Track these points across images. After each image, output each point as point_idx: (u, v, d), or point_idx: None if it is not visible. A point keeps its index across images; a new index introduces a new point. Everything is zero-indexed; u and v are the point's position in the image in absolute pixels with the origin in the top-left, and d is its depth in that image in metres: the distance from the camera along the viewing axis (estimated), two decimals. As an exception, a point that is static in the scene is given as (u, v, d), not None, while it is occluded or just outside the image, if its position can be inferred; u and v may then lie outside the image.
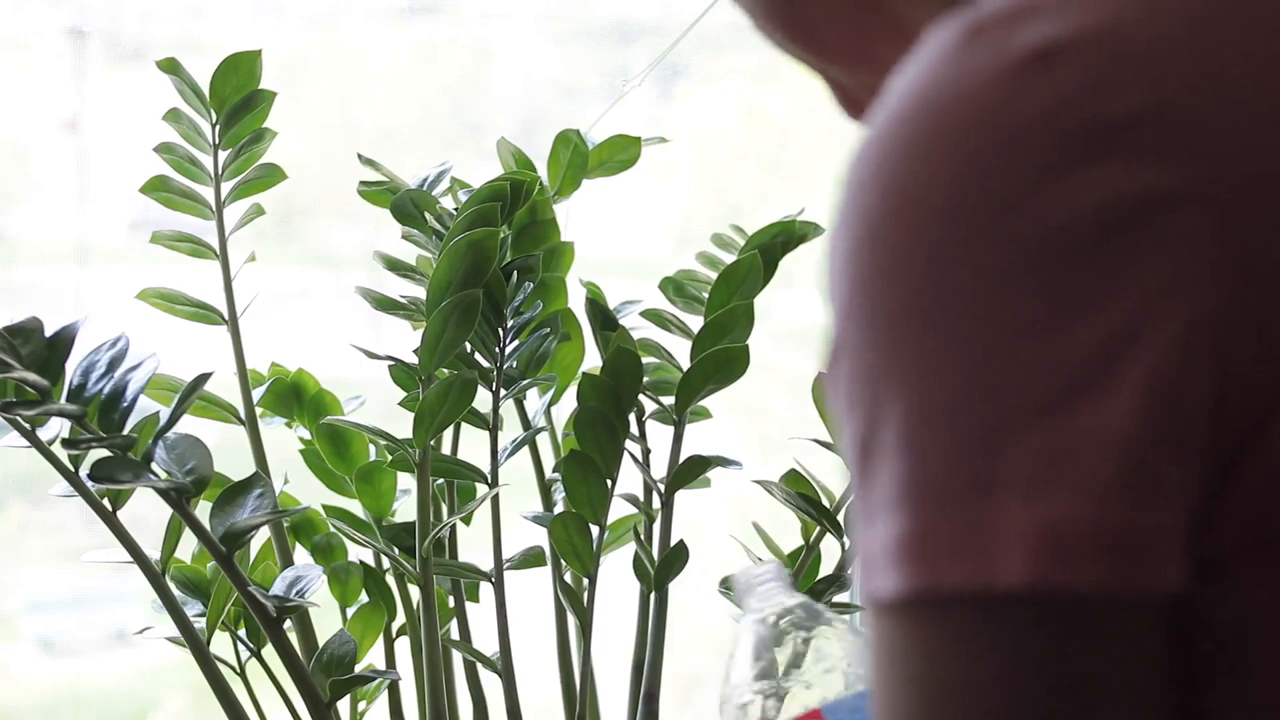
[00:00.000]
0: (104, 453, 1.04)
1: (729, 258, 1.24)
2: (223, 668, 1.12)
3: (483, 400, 1.17)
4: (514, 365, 1.19)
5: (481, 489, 1.19)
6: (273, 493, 1.10)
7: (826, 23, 0.65)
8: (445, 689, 1.18)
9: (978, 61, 0.48)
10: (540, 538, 1.22)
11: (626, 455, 1.17)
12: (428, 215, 1.18)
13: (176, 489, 1.04)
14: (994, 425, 0.47)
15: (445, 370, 1.14)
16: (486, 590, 1.22)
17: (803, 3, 0.64)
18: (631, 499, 1.21)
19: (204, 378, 1.08)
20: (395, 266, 1.21)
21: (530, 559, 1.23)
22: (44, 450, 1.05)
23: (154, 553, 1.10)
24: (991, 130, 0.48)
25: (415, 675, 1.19)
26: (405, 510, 1.22)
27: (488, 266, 1.11)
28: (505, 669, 1.19)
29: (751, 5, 0.66)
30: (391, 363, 1.17)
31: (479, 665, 1.20)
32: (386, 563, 1.21)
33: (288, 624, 1.12)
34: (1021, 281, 0.47)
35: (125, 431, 1.04)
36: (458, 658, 1.21)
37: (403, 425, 1.15)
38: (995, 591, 0.46)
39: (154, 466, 1.05)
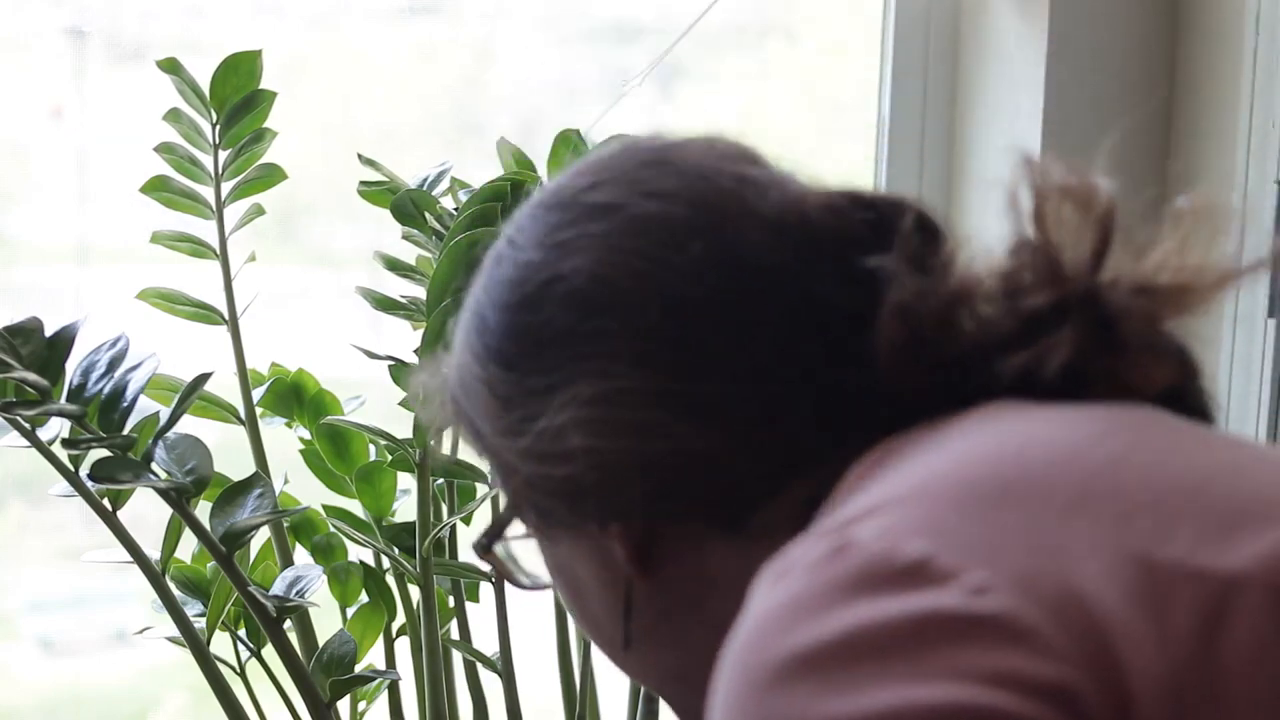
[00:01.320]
0: (104, 453, 1.04)
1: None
2: (223, 668, 1.12)
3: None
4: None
5: (481, 489, 1.19)
6: (273, 493, 1.10)
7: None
8: (445, 689, 1.18)
9: (787, 583, 0.57)
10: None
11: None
12: (428, 215, 1.18)
13: (176, 489, 1.04)
14: None
15: (445, 370, 1.14)
16: (486, 590, 1.22)
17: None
18: (631, 499, 1.20)
19: (204, 378, 1.08)
20: (395, 266, 1.21)
21: None
22: (44, 450, 1.05)
23: (154, 553, 1.10)
24: (800, 600, 0.56)
25: (415, 675, 1.19)
26: (405, 510, 1.22)
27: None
28: (505, 669, 1.19)
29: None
30: (391, 363, 1.17)
31: (479, 665, 1.20)
32: (386, 563, 1.21)
33: (288, 624, 1.12)
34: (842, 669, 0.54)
35: (125, 431, 1.04)
36: (458, 658, 1.21)
37: (403, 425, 1.15)
38: None
39: (154, 466, 1.05)
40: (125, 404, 1.05)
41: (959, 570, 0.55)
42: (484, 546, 0.78)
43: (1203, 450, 0.63)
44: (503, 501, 0.77)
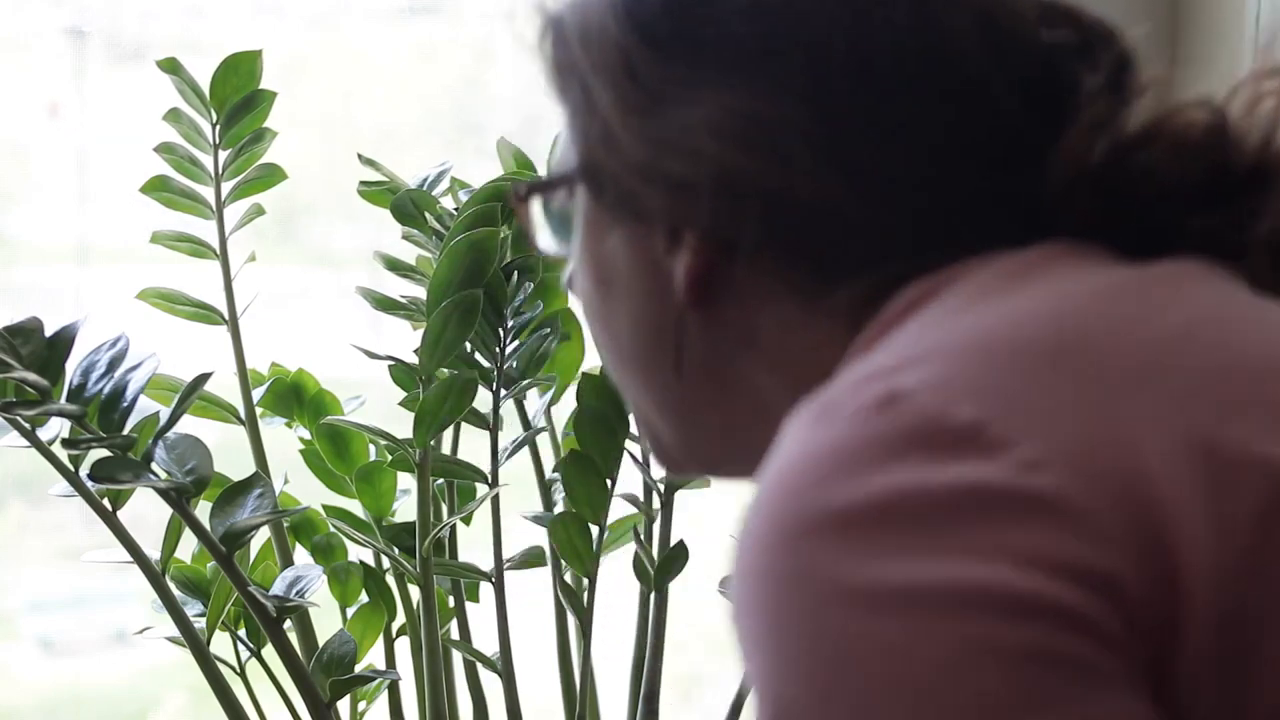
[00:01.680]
0: (104, 453, 1.03)
1: (729, 258, 1.24)
2: (223, 668, 1.12)
3: (483, 400, 1.17)
4: (514, 365, 1.19)
5: (481, 489, 1.19)
6: (273, 493, 1.10)
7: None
8: (445, 689, 1.18)
9: (829, 426, 0.56)
10: (540, 538, 1.22)
11: (626, 455, 1.17)
12: (428, 215, 1.18)
13: (176, 489, 1.04)
14: None
15: (445, 370, 1.14)
16: (486, 590, 1.22)
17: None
18: (631, 499, 1.20)
19: (204, 378, 1.08)
20: (395, 266, 1.21)
21: (530, 559, 1.23)
22: (44, 450, 1.05)
23: (154, 553, 1.10)
24: (842, 452, 0.55)
25: (415, 675, 1.19)
26: (405, 510, 1.22)
27: (488, 267, 1.11)
28: (505, 669, 1.19)
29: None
30: (391, 363, 1.17)
31: (479, 665, 1.20)
32: (386, 563, 1.21)
33: (288, 624, 1.12)
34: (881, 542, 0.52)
35: (125, 431, 1.04)
36: (458, 658, 1.21)
37: (403, 425, 1.15)
38: None
39: (154, 466, 1.05)
40: (125, 404, 1.05)
41: (1011, 441, 0.53)
42: (523, 194, 0.75)
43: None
44: (566, 161, 0.73)
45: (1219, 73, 1.38)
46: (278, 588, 1.11)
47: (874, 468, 0.53)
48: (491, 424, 1.19)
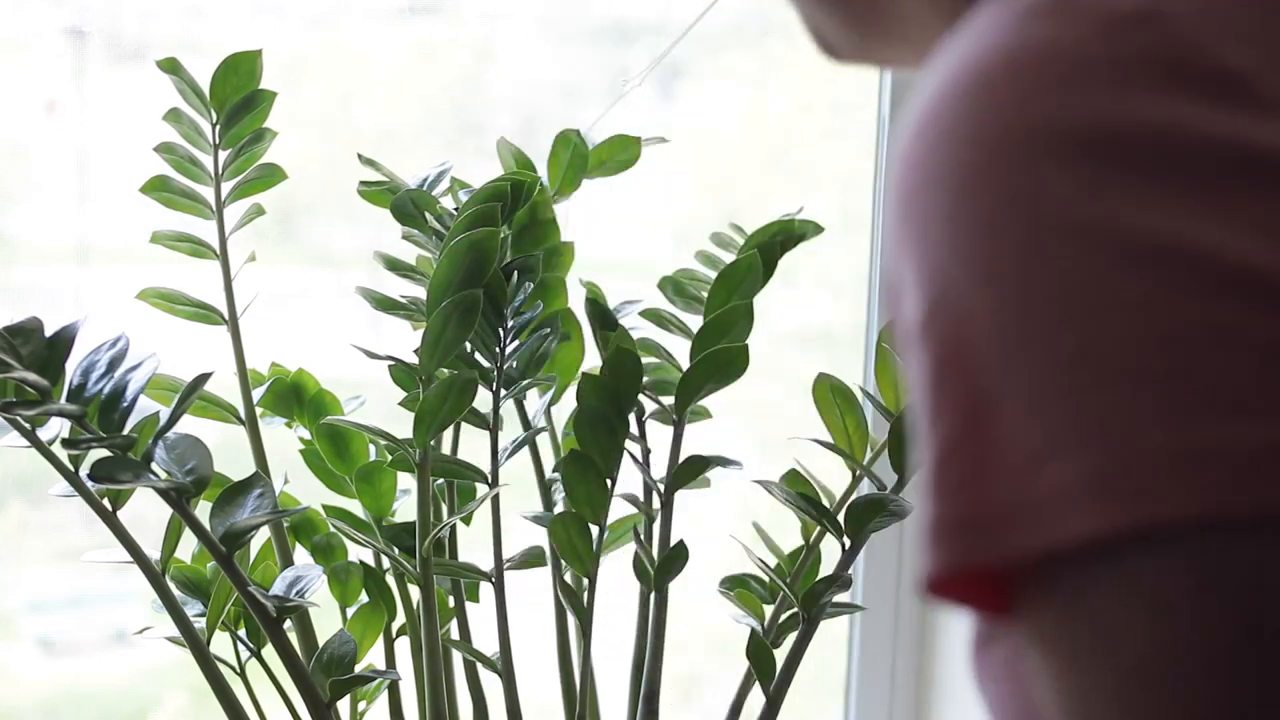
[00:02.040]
0: (104, 453, 1.03)
1: (728, 257, 1.24)
2: (223, 668, 1.12)
3: (483, 400, 1.17)
4: (514, 365, 1.19)
5: (481, 489, 1.19)
6: (273, 493, 1.10)
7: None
8: (445, 689, 1.18)
9: (1061, 26, 0.47)
10: (540, 538, 1.22)
11: (626, 455, 1.17)
12: (428, 215, 1.18)
13: (176, 489, 1.04)
14: (1183, 345, 0.44)
15: (445, 370, 1.14)
16: (486, 590, 1.22)
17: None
18: (631, 499, 1.20)
19: (204, 378, 1.08)
20: (395, 267, 1.21)
21: (530, 559, 1.23)
22: (44, 450, 1.05)
23: (154, 553, 1.10)
24: (1084, 61, 0.46)
25: (415, 675, 1.19)
26: (405, 510, 1.22)
27: (488, 266, 1.11)
28: (505, 669, 1.19)
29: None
30: (391, 363, 1.17)
31: (479, 665, 1.20)
32: (386, 563, 1.21)
33: (287, 624, 1.12)
34: (1132, 188, 0.45)
35: (125, 431, 1.04)
36: (458, 658, 1.21)
37: (403, 425, 1.15)
38: (1220, 520, 0.43)
39: (154, 466, 1.05)
40: (125, 404, 1.05)
41: None
42: None
43: None
44: None
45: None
46: (278, 588, 1.11)
47: (1123, 91, 0.45)
48: (491, 424, 1.19)
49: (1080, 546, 0.44)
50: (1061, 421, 0.44)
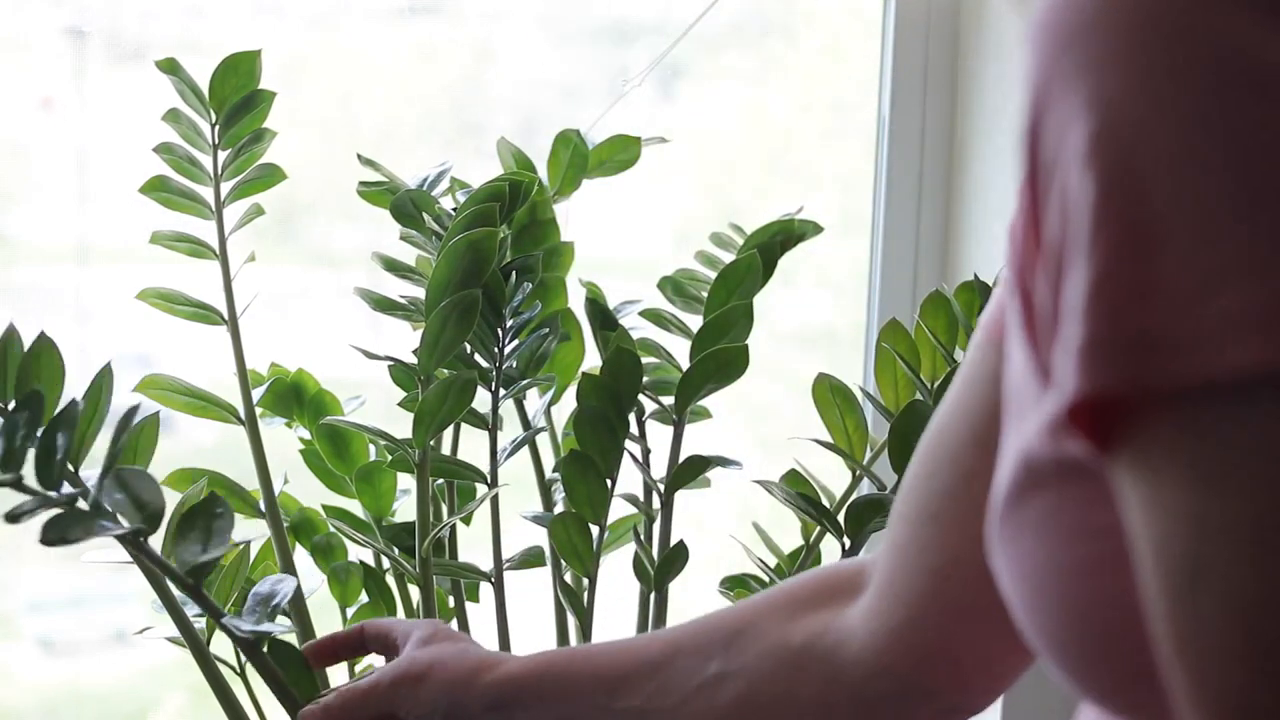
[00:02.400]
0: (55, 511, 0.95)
1: (728, 257, 1.24)
2: (223, 668, 1.12)
3: (482, 400, 1.17)
4: (514, 365, 1.19)
5: (481, 489, 1.19)
6: (230, 514, 1.02)
7: None
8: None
9: None
10: (540, 538, 1.22)
11: (626, 455, 1.17)
12: (426, 215, 1.18)
13: (134, 533, 0.98)
14: None
15: (445, 370, 1.14)
16: (486, 590, 1.22)
17: None
18: (631, 499, 1.20)
19: (135, 410, 0.97)
20: (394, 268, 1.21)
21: (530, 559, 1.23)
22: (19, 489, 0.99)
23: (153, 553, 1.10)
24: None
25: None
26: (405, 510, 1.22)
27: (486, 266, 1.10)
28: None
29: None
30: (391, 363, 1.17)
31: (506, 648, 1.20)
32: (386, 563, 1.21)
33: (287, 624, 1.12)
34: None
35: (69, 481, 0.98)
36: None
37: (403, 425, 1.15)
38: None
39: (107, 509, 0.97)
40: (59, 455, 0.96)
41: None
42: None
43: None
44: None
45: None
46: (250, 606, 1.06)
47: None
48: (491, 424, 1.19)
49: (1241, 376, 0.45)
50: (1233, 253, 0.45)
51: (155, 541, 1.00)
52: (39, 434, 0.96)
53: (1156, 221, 0.46)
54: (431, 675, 0.93)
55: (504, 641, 1.19)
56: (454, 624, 1.21)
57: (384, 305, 1.19)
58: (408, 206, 1.18)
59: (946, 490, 0.79)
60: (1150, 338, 0.46)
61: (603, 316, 1.21)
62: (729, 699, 0.87)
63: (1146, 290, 0.46)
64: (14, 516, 0.92)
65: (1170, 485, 0.46)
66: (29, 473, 0.96)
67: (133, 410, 0.99)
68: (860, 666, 0.84)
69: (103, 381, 1.02)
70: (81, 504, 0.95)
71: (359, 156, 1.23)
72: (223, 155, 1.20)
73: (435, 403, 1.11)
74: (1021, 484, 0.55)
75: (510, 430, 1.22)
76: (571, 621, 1.21)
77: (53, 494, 0.95)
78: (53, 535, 0.93)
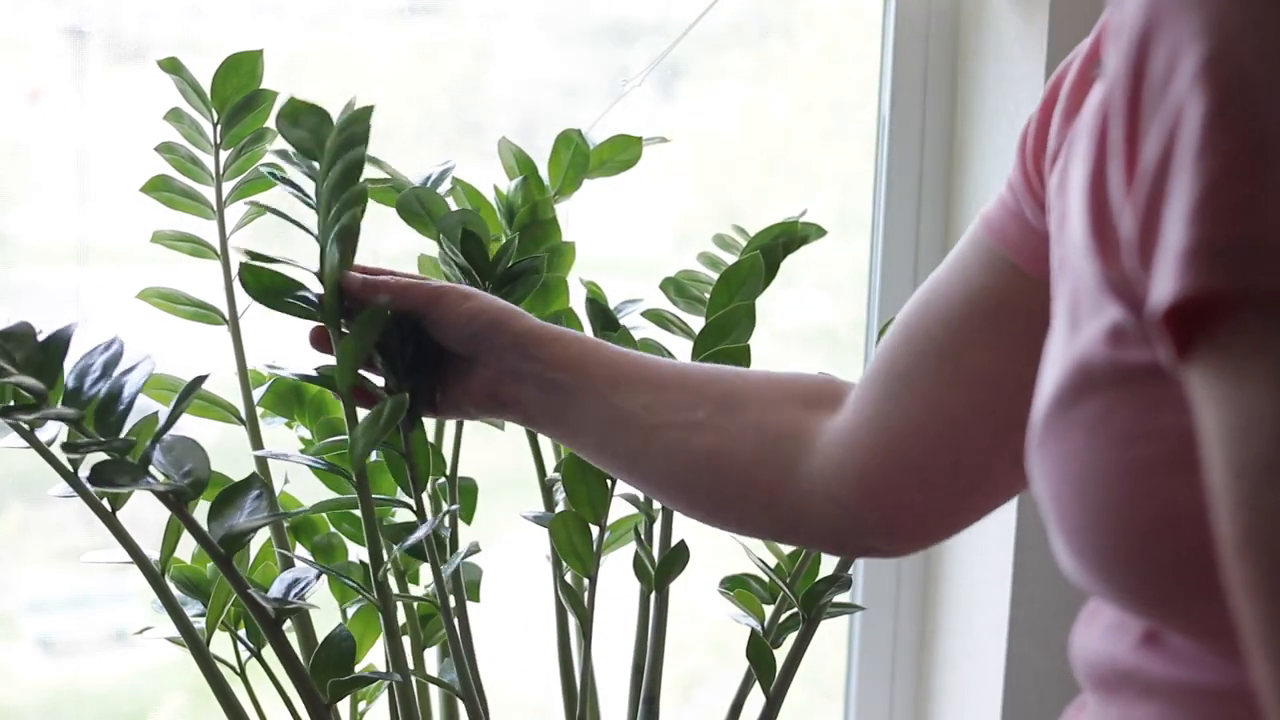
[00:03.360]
0: (102, 456, 1.03)
1: (730, 258, 1.24)
2: (223, 668, 1.12)
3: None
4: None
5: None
6: (271, 494, 1.10)
7: None
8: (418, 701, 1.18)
9: None
10: (540, 538, 1.22)
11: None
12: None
13: (174, 492, 1.04)
14: None
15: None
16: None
17: None
18: (632, 499, 1.20)
19: (201, 379, 1.07)
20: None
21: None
22: (44, 452, 1.05)
23: (154, 553, 1.10)
24: None
25: (415, 676, 1.18)
26: (405, 510, 1.21)
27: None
28: (466, 690, 1.19)
29: None
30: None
31: (473, 667, 1.20)
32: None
33: (287, 625, 1.12)
34: None
35: (123, 434, 1.04)
36: (458, 658, 1.20)
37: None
38: None
39: (152, 469, 1.05)
40: (122, 406, 1.05)
41: None
42: None
43: None
44: None
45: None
46: (276, 589, 1.11)
47: None
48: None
49: None
50: None
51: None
52: (110, 379, 1.04)
53: (1267, 136, 0.49)
54: (477, 299, 1.01)
55: (465, 667, 1.19)
56: (455, 622, 1.21)
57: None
58: (414, 205, 1.17)
59: (917, 358, 0.88)
60: (1255, 242, 0.48)
61: (604, 317, 1.21)
62: (700, 448, 0.96)
63: (1254, 199, 0.49)
64: (71, 447, 1.02)
65: (1254, 384, 0.49)
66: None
67: (198, 380, 1.07)
68: (813, 480, 0.92)
69: (195, 385, 1.07)
70: (130, 459, 1.03)
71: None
72: (224, 155, 1.20)
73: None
74: (1075, 387, 0.59)
75: (511, 428, 1.22)
76: (572, 621, 1.21)
77: (105, 440, 1.02)
78: (100, 477, 1.02)
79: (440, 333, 1.02)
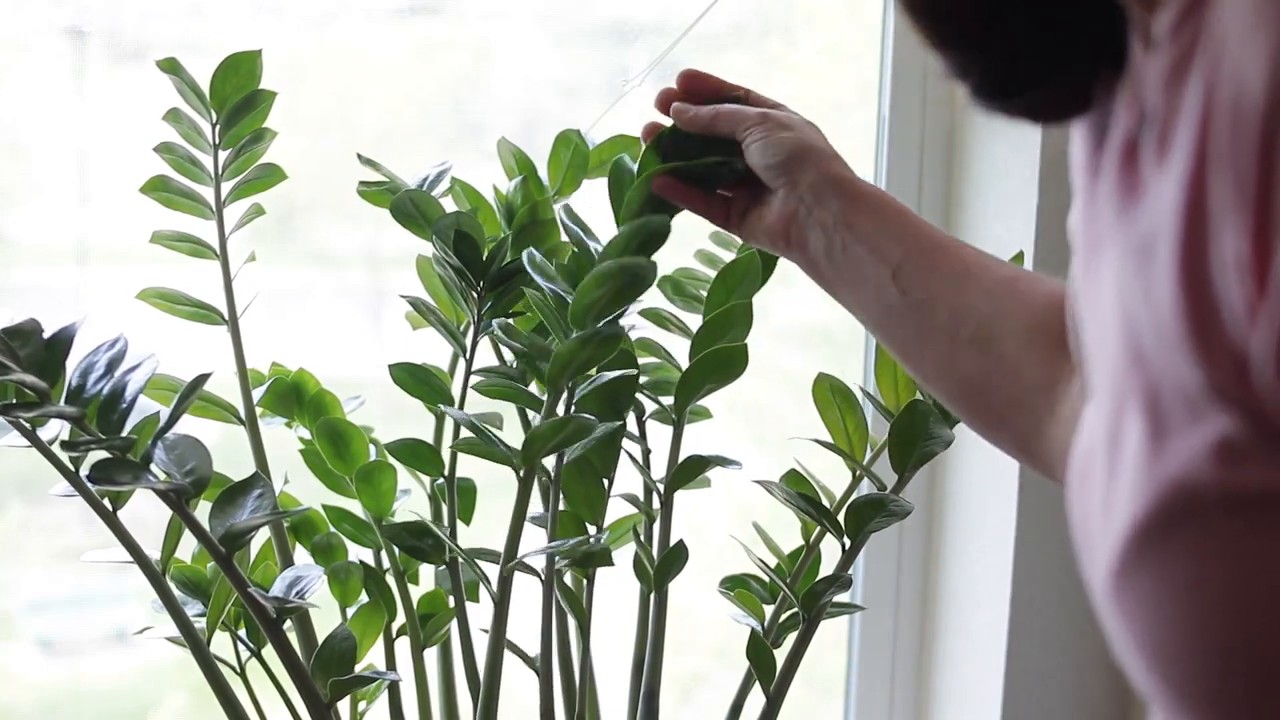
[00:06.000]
0: (103, 454, 1.03)
1: (728, 256, 1.24)
2: (223, 668, 1.12)
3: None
4: (514, 366, 1.18)
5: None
6: (272, 493, 1.10)
7: None
8: (445, 689, 1.18)
9: None
10: (540, 538, 1.22)
11: (626, 455, 1.17)
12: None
13: (176, 490, 1.04)
14: None
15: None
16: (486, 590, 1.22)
17: None
18: (631, 499, 1.20)
19: (203, 378, 1.08)
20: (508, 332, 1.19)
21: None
22: (45, 450, 1.05)
23: (154, 553, 1.10)
24: None
25: (415, 675, 1.19)
26: (405, 510, 1.22)
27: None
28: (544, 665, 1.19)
29: None
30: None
31: (477, 665, 1.20)
32: (386, 562, 1.21)
33: (287, 625, 1.12)
34: None
35: (125, 432, 1.04)
36: (457, 658, 1.21)
37: (403, 425, 1.15)
38: None
39: (153, 468, 1.05)
40: (124, 405, 1.05)
41: None
42: None
43: None
44: None
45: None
46: (277, 588, 1.11)
47: None
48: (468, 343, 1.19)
49: None
50: None
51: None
52: (113, 378, 1.04)
53: None
54: (799, 130, 0.99)
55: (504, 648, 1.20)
56: (454, 624, 1.21)
57: (422, 311, 1.18)
58: (408, 206, 1.17)
59: None
60: None
61: (603, 316, 1.21)
62: (963, 373, 0.90)
63: None
64: (72, 445, 1.02)
65: None
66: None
67: (200, 378, 1.06)
68: (1058, 442, 0.85)
69: (197, 385, 1.07)
70: (131, 457, 1.03)
71: (359, 156, 1.23)
72: (223, 155, 1.20)
73: (576, 348, 1.06)
74: (1174, 512, 0.51)
75: (511, 429, 1.22)
76: (571, 622, 1.21)
77: (106, 437, 1.02)
78: (101, 475, 1.02)
79: (750, 157, 1.00)
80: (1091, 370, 0.60)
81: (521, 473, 1.12)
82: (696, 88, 1.05)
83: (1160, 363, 0.51)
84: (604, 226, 1.13)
